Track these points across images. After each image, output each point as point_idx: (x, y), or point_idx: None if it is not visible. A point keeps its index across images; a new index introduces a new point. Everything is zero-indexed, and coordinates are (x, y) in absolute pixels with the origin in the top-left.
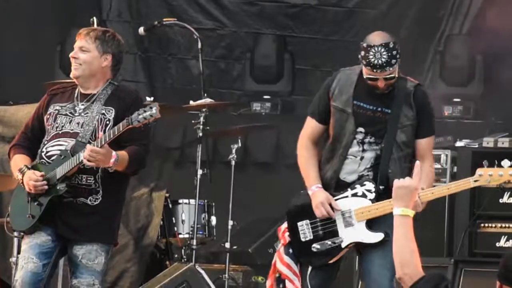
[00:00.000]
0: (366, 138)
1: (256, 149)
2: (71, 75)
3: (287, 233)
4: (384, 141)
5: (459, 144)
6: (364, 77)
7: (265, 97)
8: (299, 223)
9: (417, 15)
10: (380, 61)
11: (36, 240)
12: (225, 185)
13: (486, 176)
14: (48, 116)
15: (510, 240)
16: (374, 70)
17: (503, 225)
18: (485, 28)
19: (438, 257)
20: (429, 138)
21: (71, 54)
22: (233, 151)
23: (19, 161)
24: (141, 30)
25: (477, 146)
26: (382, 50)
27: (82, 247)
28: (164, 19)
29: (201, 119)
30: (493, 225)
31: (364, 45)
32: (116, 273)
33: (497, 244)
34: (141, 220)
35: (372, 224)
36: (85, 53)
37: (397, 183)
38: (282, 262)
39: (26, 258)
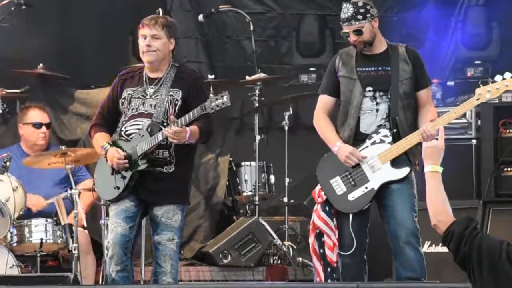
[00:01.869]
0: (376, 94)
1: (306, 114)
2: (145, 61)
3: (323, 192)
4: (390, 93)
5: None
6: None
7: (310, 69)
8: (331, 181)
9: None
10: (346, 15)
11: (121, 206)
12: (280, 147)
13: (485, 92)
14: (123, 100)
15: None
16: (344, 25)
17: None
18: None
19: (468, 200)
20: (427, 89)
21: (145, 43)
22: (286, 117)
23: (100, 138)
24: (200, 17)
25: (497, 101)
26: (349, 6)
27: (161, 208)
28: (220, 6)
29: (257, 91)
30: None
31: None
32: (190, 229)
33: None
34: (210, 182)
35: (394, 163)
36: (157, 40)
37: (425, 144)
38: (319, 218)
39: (115, 222)
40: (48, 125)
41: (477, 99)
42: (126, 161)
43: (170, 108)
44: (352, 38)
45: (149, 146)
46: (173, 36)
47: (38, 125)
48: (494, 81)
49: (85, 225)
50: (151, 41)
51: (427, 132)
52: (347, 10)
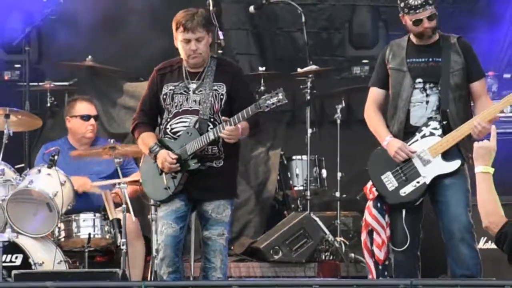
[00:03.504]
0: (426, 85)
1: (358, 108)
2: (191, 64)
3: (374, 188)
4: (440, 85)
5: None
6: (411, 29)
7: (363, 61)
8: (382, 176)
9: None
10: (419, 1)
11: (171, 207)
12: (332, 141)
13: None
14: (164, 96)
15: None
16: (417, 11)
17: None
18: None
19: None
20: (481, 80)
21: (190, 47)
22: (338, 110)
23: (147, 138)
24: (251, 8)
25: None
26: None
27: (211, 203)
28: None
29: (308, 84)
30: None
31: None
32: (240, 225)
33: None
34: (260, 177)
35: (445, 156)
36: (201, 42)
37: (477, 144)
38: (371, 215)
39: (165, 224)
40: (96, 118)
41: None
42: (178, 164)
43: (215, 104)
44: (425, 24)
45: (200, 145)
46: (209, 30)
47: (86, 117)
48: None
49: (133, 219)
50: (196, 44)
51: (480, 124)
52: None
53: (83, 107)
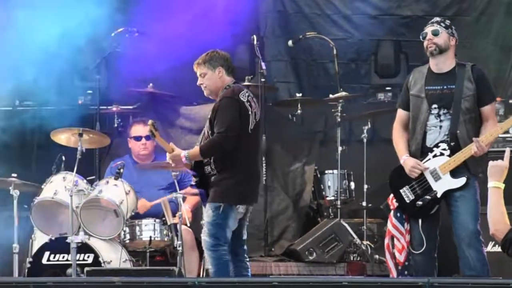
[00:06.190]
0: (440, 111)
1: (382, 128)
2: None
3: (394, 200)
4: (452, 109)
5: None
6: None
7: (387, 88)
8: (400, 190)
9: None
10: (432, 20)
11: None
12: (359, 157)
13: None
14: None
15: None
16: (426, 27)
17: None
18: None
19: None
20: (490, 105)
21: (198, 82)
22: (365, 131)
23: None
24: (290, 42)
25: None
26: (438, 18)
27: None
28: (307, 33)
29: (339, 108)
30: None
31: None
32: (280, 229)
33: None
34: (297, 188)
35: (453, 173)
36: (204, 77)
37: (491, 163)
38: (391, 223)
39: None
40: (147, 137)
41: None
42: None
43: (206, 132)
44: (428, 36)
45: None
46: (217, 65)
47: (137, 138)
48: None
49: (188, 225)
50: (201, 79)
51: (478, 147)
52: (434, 19)
53: (136, 129)
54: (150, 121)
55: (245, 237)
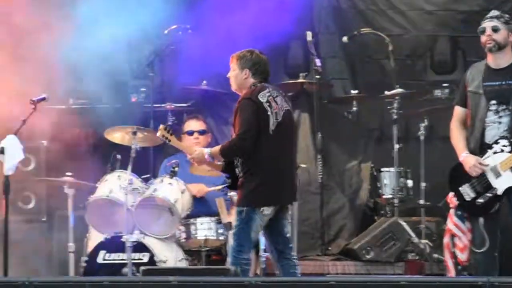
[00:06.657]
0: (499, 107)
1: (439, 125)
2: None
3: (455, 198)
4: (511, 105)
5: None
6: (481, 41)
7: (443, 85)
8: (460, 188)
9: None
10: (491, 14)
11: None
12: (416, 155)
13: None
14: None
15: None
16: (485, 21)
17: None
18: None
19: None
20: None
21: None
22: (421, 128)
23: None
24: (344, 38)
25: None
26: (497, 11)
27: None
28: (362, 29)
29: (395, 104)
30: None
31: None
32: (336, 228)
33: None
34: (353, 186)
35: None
36: (232, 72)
37: None
38: (452, 222)
39: None
40: (200, 132)
41: None
42: None
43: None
44: (487, 32)
45: None
46: (245, 67)
47: (190, 133)
48: None
49: None
50: (230, 72)
51: None
52: (493, 12)
53: (188, 124)
54: (161, 126)
55: (288, 235)
